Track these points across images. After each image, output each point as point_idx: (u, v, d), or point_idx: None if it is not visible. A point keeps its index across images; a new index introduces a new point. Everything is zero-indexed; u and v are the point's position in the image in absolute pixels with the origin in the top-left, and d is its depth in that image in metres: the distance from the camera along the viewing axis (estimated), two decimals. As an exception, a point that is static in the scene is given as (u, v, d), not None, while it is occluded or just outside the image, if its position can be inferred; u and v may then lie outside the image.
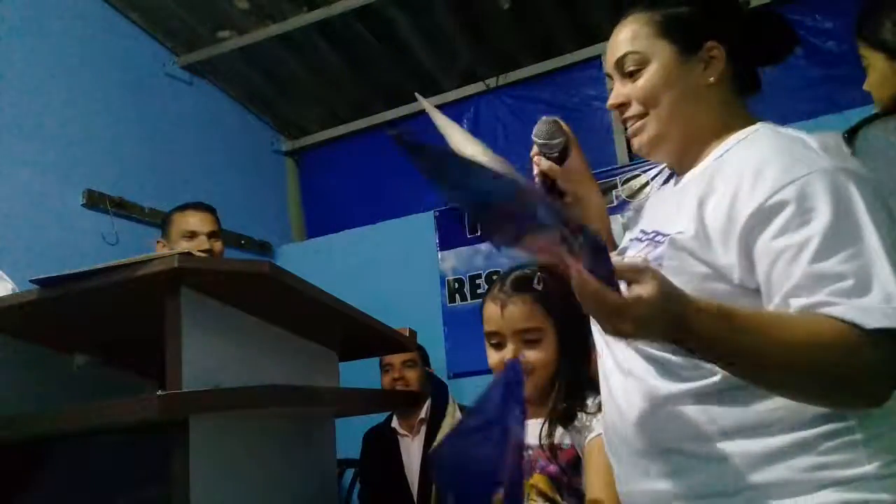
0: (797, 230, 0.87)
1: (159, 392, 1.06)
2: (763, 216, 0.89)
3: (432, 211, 3.67)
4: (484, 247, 3.49)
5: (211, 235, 2.32)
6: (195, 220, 2.33)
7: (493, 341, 1.23)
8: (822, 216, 0.86)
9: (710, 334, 0.82)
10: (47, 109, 2.81)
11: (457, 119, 4.14)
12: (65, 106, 2.88)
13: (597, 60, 3.45)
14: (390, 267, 3.61)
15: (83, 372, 1.35)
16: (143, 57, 3.31)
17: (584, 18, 3.33)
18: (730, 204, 0.92)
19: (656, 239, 0.98)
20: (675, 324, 0.81)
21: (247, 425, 1.13)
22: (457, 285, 3.52)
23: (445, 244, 3.60)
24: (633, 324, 0.81)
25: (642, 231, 1.04)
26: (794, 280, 0.86)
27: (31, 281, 1.20)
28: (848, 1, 3.02)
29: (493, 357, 1.22)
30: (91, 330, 1.32)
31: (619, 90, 1.04)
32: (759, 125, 1.02)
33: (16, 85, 2.70)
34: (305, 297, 1.26)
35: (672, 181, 1.10)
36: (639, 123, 1.03)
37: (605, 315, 0.81)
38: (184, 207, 2.41)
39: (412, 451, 2.60)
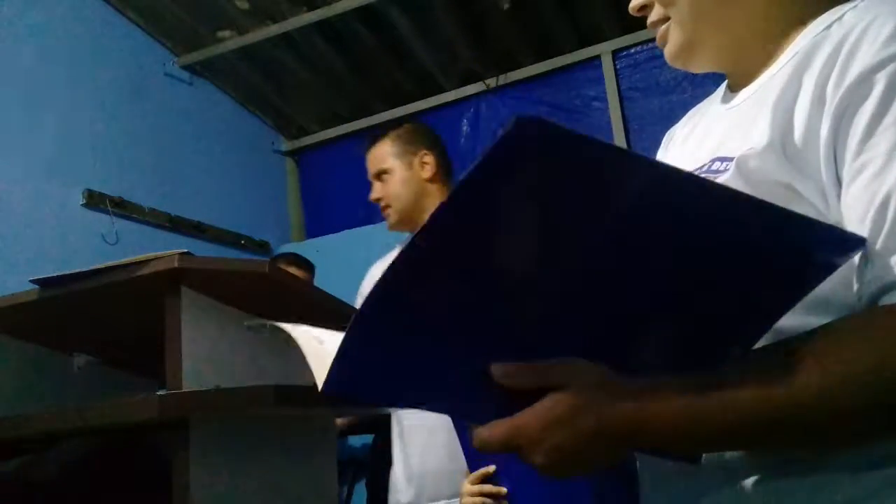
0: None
1: (159, 392, 1.06)
2: (861, 90, 0.61)
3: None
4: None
5: None
6: None
7: None
8: None
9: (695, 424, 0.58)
10: (47, 109, 2.80)
11: (457, 119, 4.15)
12: (64, 105, 2.88)
13: (597, 60, 3.45)
14: (390, 267, 3.60)
15: (83, 372, 1.35)
16: (142, 57, 3.31)
17: (584, 19, 3.33)
18: (818, 84, 0.65)
19: (713, 168, 0.71)
20: (618, 436, 0.57)
21: (247, 425, 1.13)
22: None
23: (445, 244, 3.60)
24: (544, 457, 0.57)
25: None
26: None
27: (30, 281, 1.20)
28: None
29: None
30: (91, 330, 1.32)
31: None
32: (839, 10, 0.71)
33: (15, 84, 2.70)
34: (305, 297, 1.26)
35: (719, 100, 0.85)
36: (661, 30, 0.81)
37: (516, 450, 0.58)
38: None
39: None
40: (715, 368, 0.60)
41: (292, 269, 2.33)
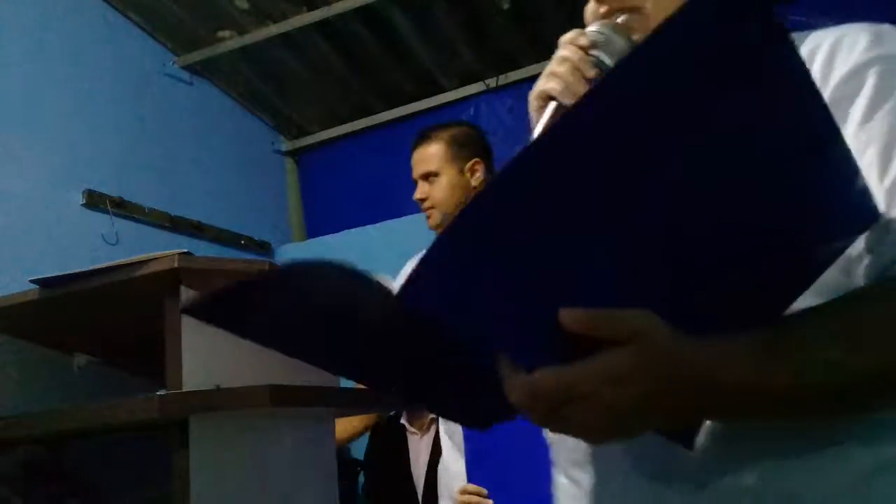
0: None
1: (159, 392, 1.06)
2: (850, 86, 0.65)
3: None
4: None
5: None
6: None
7: None
8: None
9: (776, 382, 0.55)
10: (46, 109, 2.80)
11: (457, 119, 4.14)
12: (64, 106, 2.88)
13: (597, 60, 3.45)
14: (390, 267, 3.59)
15: (83, 372, 1.35)
16: (142, 57, 3.31)
17: (584, 19, 3.33)
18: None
19: None
20: (695, 394, 0.55)
21: (247, 425, 1.13)
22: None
23: (445, 244, 3.60)
24: (595, 415, 0.53)
25: None
26: None
27: (30, 281, 1.20)
28: (847, 1, 3.04)
29: None
30: (91, 330, 1.32)
31: None
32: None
33: (15, 84, 2.70)
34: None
35: None
36: (627, 18, 0.82)
37: (549, 411, 0.55)
38: None
39: (420, 448, 2.60)
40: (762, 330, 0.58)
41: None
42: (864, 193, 0.59)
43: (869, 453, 0.62)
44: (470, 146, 2.15)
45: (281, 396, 1.03)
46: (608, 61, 0.79)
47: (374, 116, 3.92)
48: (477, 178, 2.11)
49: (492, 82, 3.68)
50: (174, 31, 3.40)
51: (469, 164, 2.12)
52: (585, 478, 0.79)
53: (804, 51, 0.71)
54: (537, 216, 0.51)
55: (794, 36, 0.73)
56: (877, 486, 0.61)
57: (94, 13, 3.10)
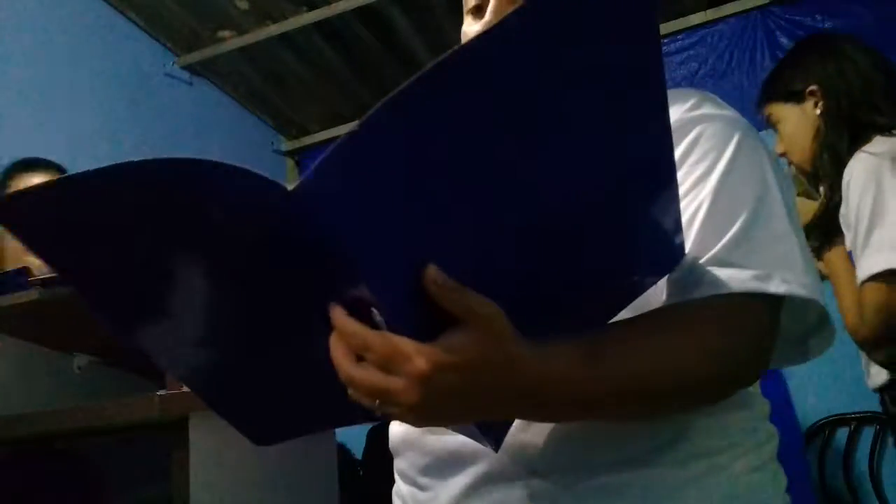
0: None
1: (159, 392, 1.06)
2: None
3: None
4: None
5: None
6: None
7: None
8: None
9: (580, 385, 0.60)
10: (46, 109, 2.80)
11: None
12: (64, 105, 2.88)
13: (597, 60, 3.45)
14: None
15: (83, 372, 1.35)
16: (142, 57, 3.31)
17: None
18: None
19: None
20: (519, 387, 0.57)
21: (247, 425, 1.13)
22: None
23: (445, 244, 3.60)
24: (422, 391, 0.53)
25: None
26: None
27: (30, 281, 1.20)
28: (846, 2, 3.04)
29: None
30: (91, 330, 1.32)
31: None
32: None
33: (15, 84, 2.70)
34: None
35: None
36: None
37: (366, 382, 0.54)
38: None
39: None
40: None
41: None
42: (676, 230, 0.66)
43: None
44: None
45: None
46: None
47: (374, 116, 3.91)
48: None
49: (492, 82, 3.68)
50: (174, 32, 3.40)
51: None
52: (432, 483, 0.80)
53: None
54: (440, 144, 0.51)
55: None
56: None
57: (94, 13, 3.10)
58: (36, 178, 1.93)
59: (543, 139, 0.54)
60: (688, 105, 0.79)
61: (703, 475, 0.72)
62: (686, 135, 0.76)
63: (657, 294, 0.71)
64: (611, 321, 0.69)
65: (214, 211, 0.52)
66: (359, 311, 0.54)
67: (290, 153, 4.15)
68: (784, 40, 3.10)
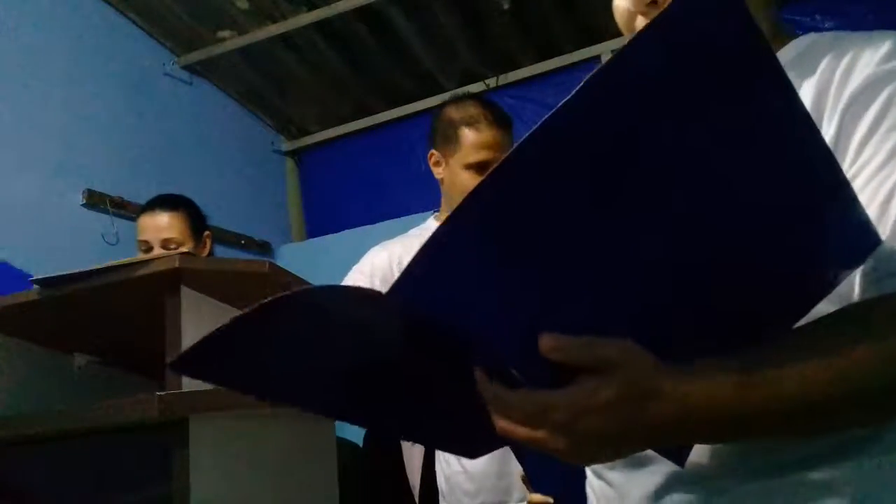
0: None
1: (159, 392, 1.06)
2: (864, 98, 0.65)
3: (433, 211, 3.67)
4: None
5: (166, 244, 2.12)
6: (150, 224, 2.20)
7: None
8: None
9: (743, 411, 0.56)
10: (46, 109, 2.80)
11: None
12: (64, 106, 2.88)
13: (597, 61, 3.44)
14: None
15: (83, 372, 1.35)
16: (142, 57, 3.31)
17: (584, 19, 3.33)
18: (818, 90, 0.68)
19: None
20: (673, 423, 0.55)
21: (247, 425, 1.13)
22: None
23: (445, 244, 3.60)
24: (570, 441, 0.54)
25: None
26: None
27: (30, 281, 1.20)
28: (847, 2, 3.04)
29: None
30: (91, 330, 1.32)
31: None
32: (813, 35, 0.78)
33: (15, 85, 2.70)
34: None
35: None
36: None
37: (525, 431, 0.56)
38: (144, 207, 2.25)
39: (414, 454, 2.59)
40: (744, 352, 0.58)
41: (157, 216, 2.19)
42: (864, 224, 0.59)
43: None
44: None
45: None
46: None
47: (374, 116, 3.92)
48: None
49: (492, 82, 3.68)
50: (174, 31, 3.40)
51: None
52: (618, 478, 0.79)
53: (828, 48, 0.71)
54: (536, 219, 0.51)
55: (818, 38, 0.76)
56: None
57: (94, 13, 3.10)
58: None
59: (667, 185, 0.52)
60: (881, 54, 0.67)
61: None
62: (878, 93, 0.65)
63: (849, 288, 0.63)
64: (786, 330, 0.61)
65: (341, 325, 0.56)
66: (499, 371, 0.57)
67: (290, 153, 4.15)
68: (791, 34, 3.09)
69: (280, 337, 0.56)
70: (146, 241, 2.20)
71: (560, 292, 0.54)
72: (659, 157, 0.50)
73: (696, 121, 0.50)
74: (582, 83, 0.45)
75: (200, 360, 0.55)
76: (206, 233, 2.31)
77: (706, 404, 0.55)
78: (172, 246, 2.17)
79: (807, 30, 2.91)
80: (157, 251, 2.16)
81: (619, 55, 0.45)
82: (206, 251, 2.30)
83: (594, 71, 0.45)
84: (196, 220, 2.30)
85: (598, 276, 0.54)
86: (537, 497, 1.44)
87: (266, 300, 0.51)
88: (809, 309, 0.61)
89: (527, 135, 0.47)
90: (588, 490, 0.86)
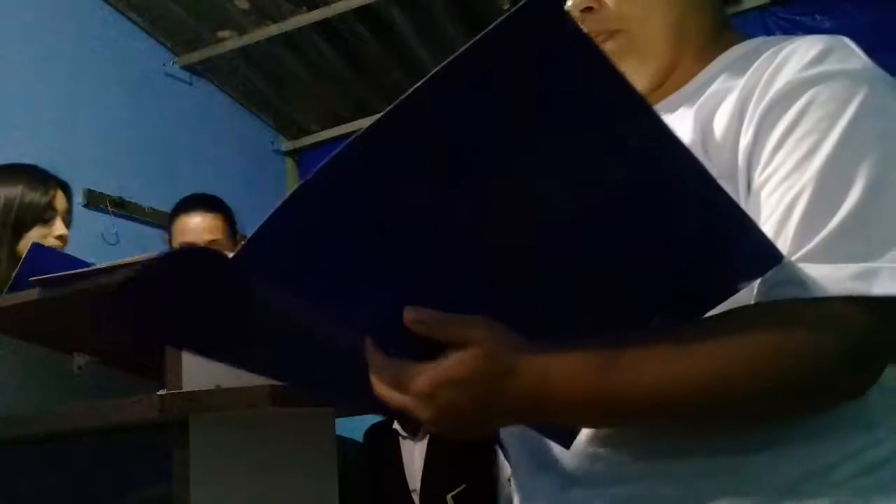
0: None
1: (159, 392, 1.06)
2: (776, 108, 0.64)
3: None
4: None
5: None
6: (193, 225, 2.17)
7: None
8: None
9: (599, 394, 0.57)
10: (47, 109, 2.81)
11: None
12: (64, 105, 2.88)
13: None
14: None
15: (83, 372, 1.35)
16: (142, 57, 3.32)
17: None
18: (741, 94, 0.67)
19: None
20: (532, 401, 0.56)
21: (247, 425, 1.13)
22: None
23: (445, 244, 3.61)
24: (434, 412, 0.56)
25: None
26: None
27: (30, 280, 1.20)
28: (846, 2, 3.04)
29: None
30: (91, 330, 1.32)
31: None
32: (762, 38, 0.77)
33: (15, 84, 2.70)
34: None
35: None
36: (600, 42, 0.75)
37: (392, 396, 0.58)
38: (183, 208, 2.23)
39: (415, 454, 2.58)
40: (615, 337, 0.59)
41: (200, 217, 2.17)
42: (764, 241, 0.58)
43: (795, 462, 0.61)
44: None
45: (281, 396, 1.03)
46: None
47: (374, 116, 3.86)
48: None
49: (491, 82, 3.68)
50: (174, 32, 3.40)
51: None
52: (522, 477, 0.78)
53: (764, 52, 0.70)
54: (381, 198, 0.52)
55: (765, 42, 0.74)
56: (804, 494, 0.60)
57: (94, 13, 3.10)
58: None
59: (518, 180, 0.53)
60: (805, 61, 0.65)
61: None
62: (794, 101, 0.63)
63: (748, 293, 0.62)
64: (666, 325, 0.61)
65: (207, 287, 0.58)
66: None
67: (289, 153, 4.15)
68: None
69: (169, 295, 0.59)
70: (189, 243, 2.15)
71: (416, 271, 0.56)
72: (501, 162, 0.51)
73: (542, 131, 0.50)
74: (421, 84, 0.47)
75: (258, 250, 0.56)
76: (241, 236, 2.29)
77: (564, 383, 0.56)
78: (216, 247, 2.12)
79: (805, 29, 2.93)
80: None
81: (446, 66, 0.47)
82: None
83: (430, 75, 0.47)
84: (233, 222, 2.28)
85: (455, 257, 0.55)
86: None
87: (136, 271, 0.56)
88: (704, 312, 0.61)
89: (371, 125, 0.50)
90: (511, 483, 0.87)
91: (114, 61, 3.15)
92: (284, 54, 3.54)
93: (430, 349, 0.56)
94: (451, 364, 0.55)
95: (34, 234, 1.83)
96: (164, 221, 3.20)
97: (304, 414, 1.25)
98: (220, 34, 3.44)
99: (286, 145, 4.13)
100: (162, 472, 1.04)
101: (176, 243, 2.21)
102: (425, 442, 2.51)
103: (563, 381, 0.56)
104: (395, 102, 0.48)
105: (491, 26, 0.45)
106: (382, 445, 2.65)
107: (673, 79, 0.78)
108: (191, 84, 3.57)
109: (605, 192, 0.53)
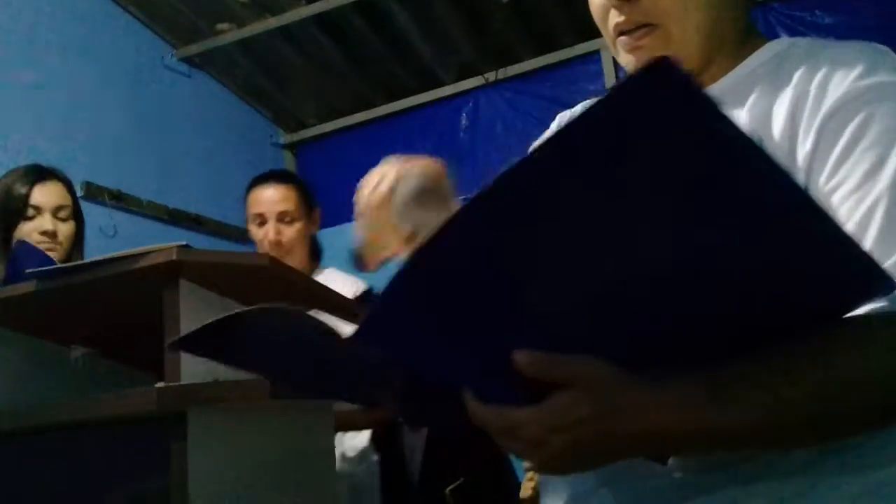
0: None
1: (158, 385, 1.06)
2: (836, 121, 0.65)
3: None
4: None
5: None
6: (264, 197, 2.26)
7: None
8: None
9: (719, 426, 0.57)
10: (45, 101, 2.80)
11: (456, 113, 4.15)
12: (62, 97, 2.87)
13: (596, 55, 3.44)
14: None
15: (81, 364, 1.35)
16: (141, 49, 3.31)
17: (583, 13, 3.27)
18: (793, 102, 0.69)
19: None
20: (640, 438, 0.57)
21: (246, 418, 1.13)
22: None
23: (444, 238, 3.60)
24: (545, 456, 0.57)
25: None
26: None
27: (28, 273, 1.20)
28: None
29: None
30: (89, 322, 1.32)
31: None
32: (787, 40, 0.79)
33: (13, 76, 2.70)
34: (304, 289, 1.26)
35: None
36: (640, 36, 0.77)
37: (512, 442, 0.58)
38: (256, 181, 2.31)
39: (414, 444, 2.58)
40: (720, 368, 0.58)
41: (272, 189, 2.23)
42: (869, 264, 0.55)
43: (856, 479, 0.63)
44: None
45: (279, 390, 1.03)
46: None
47: (372, 110, 3.91)
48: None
49: (491, 76, 3.67)
50: (173, 24, 3.39)
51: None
52: (562, 487, 0.79)
53: (802, 58, 0.72)
54: (492, 259, 0.52)
55: (793, 44, 0.76)
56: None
57: (92, 6, 3.09)
58: (49, 187, 1.93)
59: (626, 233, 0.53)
60: (857, 71, 0.67)
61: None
62: (856, 112, 0.65)
63: None
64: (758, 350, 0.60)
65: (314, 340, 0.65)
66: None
67: (288, 146, 4.14)
68: (784, 36, 3.09)
69: (260, 333, 0.65)
70: (261, 215, 2.19)
71: (527, 318, 0.56)
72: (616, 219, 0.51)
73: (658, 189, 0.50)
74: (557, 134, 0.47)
75: (196, 343, 0.65)
76: (316, 209, 2.30)
77: (673, 419, 0.56)
78: (287, 219, 2.17)
79: (806, 25, 2.93)
80: (272, 225, 2.16)
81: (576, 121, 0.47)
82: (316, 228, 2.30)
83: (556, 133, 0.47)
84: (308, 195, 2.28)
85: (566, 302, 0.56)
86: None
87: (251, 308, 0.60)
88: (810, 336, 0.60)
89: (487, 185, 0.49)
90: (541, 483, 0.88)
91: (112, 53, 3.14)
92: (283, 47, 3.53)
93: (529, 392, 0.56)
94: (560, 407, 0.55)
95: (23, 230, 1.83)
96: (162, 214, 3.21)
97: (302, 407, 1.25)
98: (219, 27, 3.43)
99: (285, 138, 4.12)
100: (160, 465, 1.04)
101: (249, 216, 2.27)
102: (425, 431, 2.52)
103: (672, 417, 0.56)
104: (523, 159, 0.48)
105: (620, 83, 0.45)
106: (383, 434, 2.65)
107: (706, 76, 0.79)
108: (189, 77, 3.56)
109: (720, 235, 0.53)
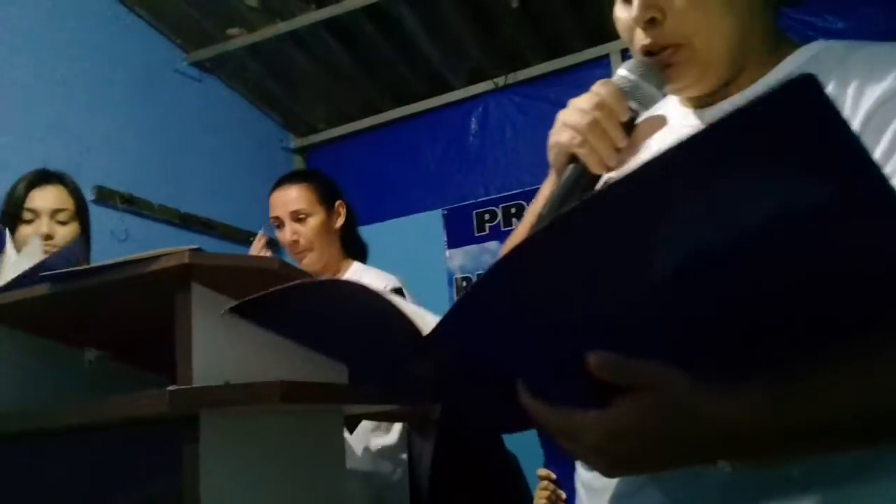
0: None
1: (170, 387, 1.07)
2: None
3: (440, 209, 3.67)
4: (492, 245, 3.49)
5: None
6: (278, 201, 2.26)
7: None
8: None
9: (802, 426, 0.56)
10: (56, 106, 2.81)
11: (465, 117, 4.15)
12: (74, 102, 2.89)
13: (606, 60, 3.44)
14: (398, 265, 3.59)
15: (94, 367, 1.35)
16: (152, 54, 3.32)
17: (593, 18, 3.32)
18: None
19: None
20: (709, 442, 0.57)
21: (257, 421, 1.13)
22: (465, 283, 3.52)
23: (453, 242, 3.60)
24: (602, 457, 0.58)
25: None
26: None
27: (41, 276, 1.21)
28: (858, 2, 3.03)
29: None
30: (101, 325, 1.33)
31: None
32: (821, 43, 0.80)
33: (25, 82, 2.71)
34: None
35: (677, 113, 0.84)
36: (670, 55, 0.77)
37: (573, 445, 0.60)
38: (274, 185, 2.33)
39: (423, 450, 2.57)
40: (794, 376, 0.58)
41: (283, 190, 2.22)
42: None
43: None
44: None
45: (292, 393, 1.03)
46: (638, 108, 0.79)
47: (382, 114, 3.92)
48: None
49: (500, 81, 3.68)
50: (184, 29, 3.41)
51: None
52: (600, 483, 0.79)
53: (838, 70, 0.71)
54: (559, 275, 0.54)
55: (827, 47, 0.77)
56: None
57: (103, 10, 3.11)
58: (48, 191, 1.95)
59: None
60: (894, 72, 0.68)
61: None
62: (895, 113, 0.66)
63: None
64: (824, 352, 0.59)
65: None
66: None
67: (298, 150, 4.16)
68: (795, 41, 3.08)
69: (324, 306, 0.69)
70: (277, 218, 2.23)
71: (600, 324, 0.57)
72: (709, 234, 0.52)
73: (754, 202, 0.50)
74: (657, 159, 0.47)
75: (252, 310, 0.71)
76: (339, 202, 2.30)
77: (741, 426, 0.56)
78: (301, 217, 2.19)
79: (817, 31, 2.92)
80: (288, 225, 2.19)
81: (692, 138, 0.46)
82: (342, 220, 2.29)
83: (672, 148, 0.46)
84: (325, 189, 2.28)
85: (643, 312, 0.56)
86: (543, 471, 1.48)
87: (333, 279, 0.66)
88: (882, 343, 0.59)
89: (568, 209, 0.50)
90: (576, 481, 0.88)
91: (123, 58, 3.16)
92: (293, 52, 3.54)
93: (592, 394, 0.57)
94: (622, 413, 0.56)
95: (22, 233, 1.84)
96: (174, 218, 3.22)
97: (314, 410, 1.25)
98: (230, 31, 3.45)
99: (295, 142, 4.14)
100: (172, 468, 1.04)
101: (271, 222, 2.31)
102: (432, 443, 2.51)
103: (738, 424, 0.56)
104: (639, 168, 0.48)
105: (754, 99, 0.45)
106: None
107: (737, 83, 0.79)
108: (200, 81, 3.57)
109: (819, 250, 0.52)
